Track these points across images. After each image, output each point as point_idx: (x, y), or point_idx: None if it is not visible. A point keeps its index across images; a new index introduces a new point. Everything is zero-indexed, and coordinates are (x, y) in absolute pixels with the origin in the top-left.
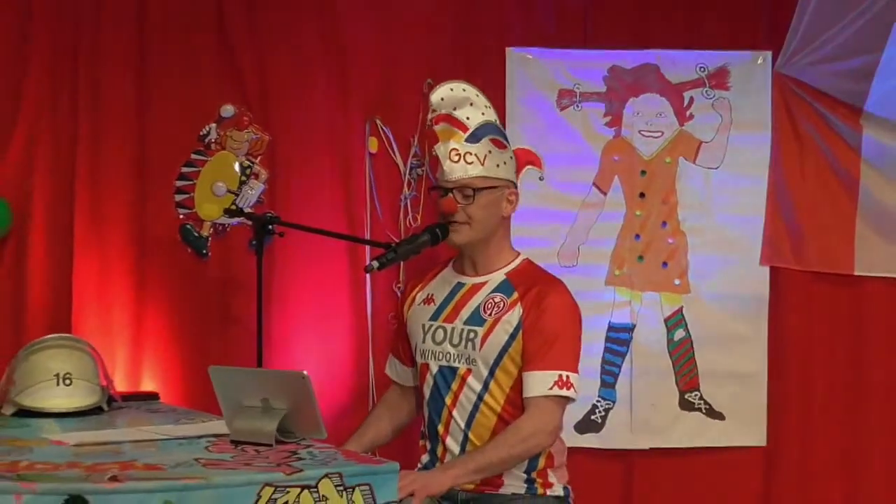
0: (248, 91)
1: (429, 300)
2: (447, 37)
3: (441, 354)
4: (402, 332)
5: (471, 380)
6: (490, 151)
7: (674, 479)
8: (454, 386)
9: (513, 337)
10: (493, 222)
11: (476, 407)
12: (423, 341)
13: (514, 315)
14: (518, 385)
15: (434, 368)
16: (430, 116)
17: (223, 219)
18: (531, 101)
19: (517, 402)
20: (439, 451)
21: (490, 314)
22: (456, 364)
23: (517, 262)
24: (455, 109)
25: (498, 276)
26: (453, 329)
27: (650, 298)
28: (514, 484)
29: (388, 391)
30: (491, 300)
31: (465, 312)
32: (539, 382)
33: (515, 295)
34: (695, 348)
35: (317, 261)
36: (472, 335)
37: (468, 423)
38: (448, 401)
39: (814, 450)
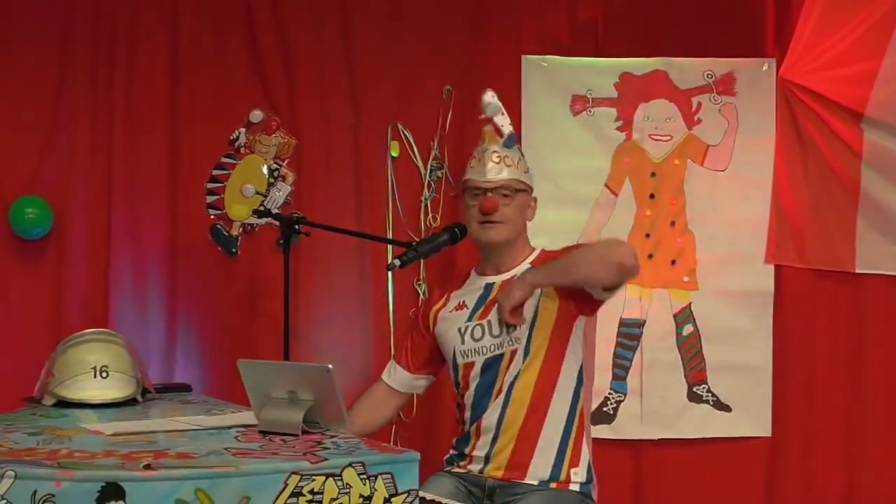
0: (276, 97)
1: (461, 307)
2: (466, 46)
3: (484, 349)
4: (418, 344)
5: (517, 356)
6: (520, 158)
7: (682, 469)
8: (501, 369)
9: (538, 302)
10: (522, 224)
11: (516, 377)
12: (463, 342)
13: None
14: (556, 351)
15: (480, 363)
16: (482, 116)
17: (252, 219)
18: (546, 107)
19: (553, 378)
20: (471, 444)
21: None
22: (500, 350)
23: (536, 253)
24: (495, 116)
25: (523, 267)
26: (489, 322)
27: (660, 295)
28: (538, 473)
29: (377, 386)
30: None
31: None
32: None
33: None
34: (702, 343)
35: (341, 259)
36: None
37: (508, 393)
38: (497, 383)
39: (816, 440)
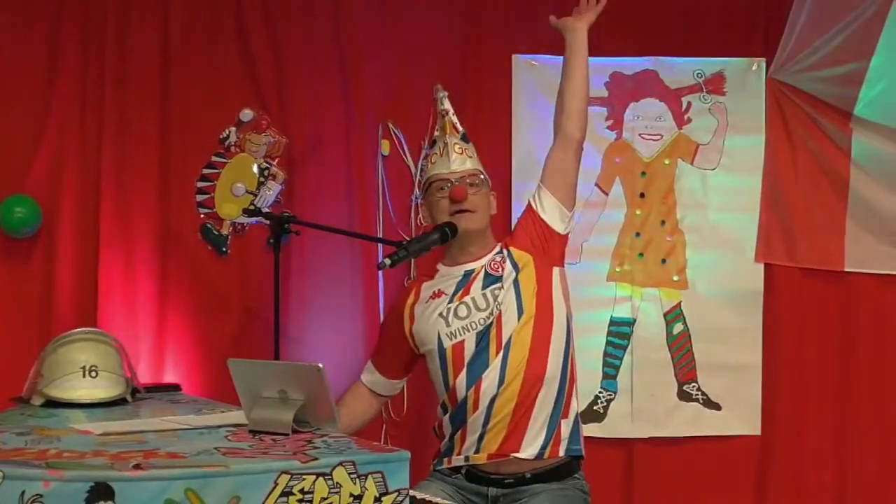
0: (267, 96)
1: (437, 294)
2: (456, 44)
3: (473, 324)
4: (394, 350)
5: (508, 316)
6: (477, 153)
7: (672, 467)
8: (493, 338)
9: (517, 278)
10: (489, 215)
11: (512, 334)
12: (449, 324)
13: (510, 260)
14: (542, 307)
15: (472, 339)
16: (444, 108)
17: (242, 218)
18: (536, 106)
19: (546, 322)
20: (460, 432)
21: (501, 270)
22: (490, 319)
23: (499, 244)
24: (450, 111)
25: (492, 256)
26: (473, 299)
27: (650, 294)
28: (538, 427)
29: (358, 387)
30: (493, 261)
31: (478, 283)
32: None
33: (511, 249)
34: (692, 341)
35: (331, 258)
36: (495, 290)
37: (507, 347)
38: (492, 348)
39: (806, 438)
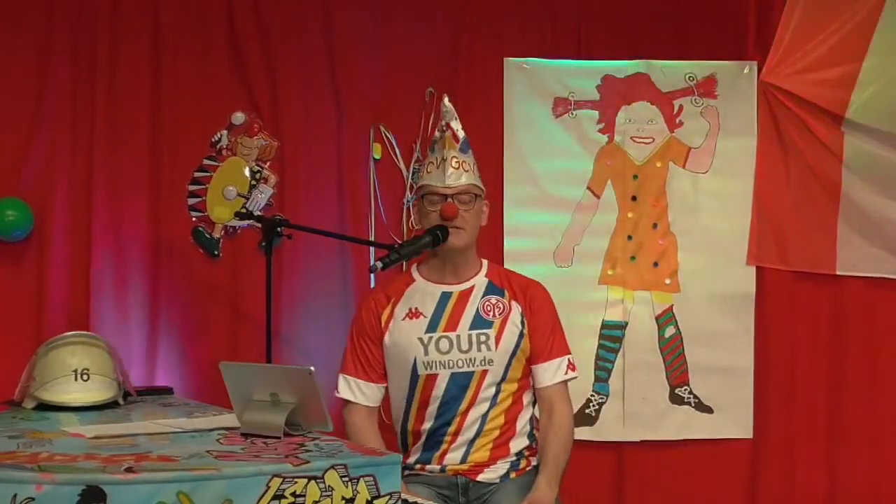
0: (259, 99)
1: (414, 314)
2: (448, 47)
3: (451, 362)
4: (373, 355)
5: (488, 378)
6: (475, 162)
7: (664, 471)
8: (471, 388)
9: (521, 335)
10: (477, 230)
11: (493, 401)
12: (426, 353)
13: (516, 314)
14: (527, 373)
15: (445, 377)
16: (441, 122)
17: (234, 221)
18: (528, 109)
19: (525, 388)
20: (441, 449)
21: (494, 315)
22: (469, 368)
23: (486, 265)
24: (451, 121)
25: (480, 280)
26: (458, 337)
27: (642, 297)
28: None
29: (359, 420)
30: (488, 302)
31: (466, 319)
32: (555, 371)
33: (507, 294)
34: (684, 345)
35: (323, 261)
36: (483, 338)
37: (484, 416)
38: (464, 403)
39: (797, 441)
